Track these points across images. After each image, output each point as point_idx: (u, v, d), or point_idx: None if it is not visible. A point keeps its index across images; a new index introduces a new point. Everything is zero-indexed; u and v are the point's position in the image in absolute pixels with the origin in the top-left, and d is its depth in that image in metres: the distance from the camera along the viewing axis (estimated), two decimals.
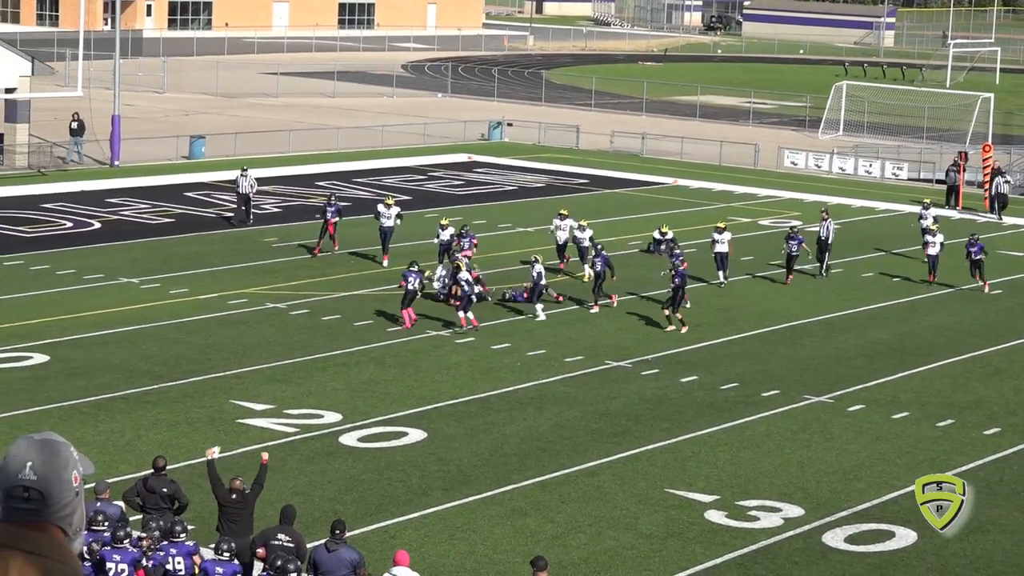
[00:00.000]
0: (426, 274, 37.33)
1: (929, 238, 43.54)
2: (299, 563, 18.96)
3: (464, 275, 36.22)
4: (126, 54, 73.27)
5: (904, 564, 23.00)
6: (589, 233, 42.12)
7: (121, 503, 20.84)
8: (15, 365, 31.51)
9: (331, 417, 28.90)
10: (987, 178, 57.42)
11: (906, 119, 78.29)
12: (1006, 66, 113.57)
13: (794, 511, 24.97)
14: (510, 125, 72.92)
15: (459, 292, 36.47)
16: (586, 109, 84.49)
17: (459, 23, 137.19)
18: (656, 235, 45.08)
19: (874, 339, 37.14)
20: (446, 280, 38.31)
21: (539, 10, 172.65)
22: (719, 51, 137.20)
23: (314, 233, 44.47)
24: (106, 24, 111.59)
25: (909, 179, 64.36)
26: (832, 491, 26.07)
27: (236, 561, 19.54)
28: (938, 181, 61.21)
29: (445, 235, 41.31)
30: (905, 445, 28.79)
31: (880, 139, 74.37)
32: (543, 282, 37.55)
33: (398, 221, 43.30)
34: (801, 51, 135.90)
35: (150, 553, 19.30)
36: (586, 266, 41.14)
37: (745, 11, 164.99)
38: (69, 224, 46.92)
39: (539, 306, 37.45)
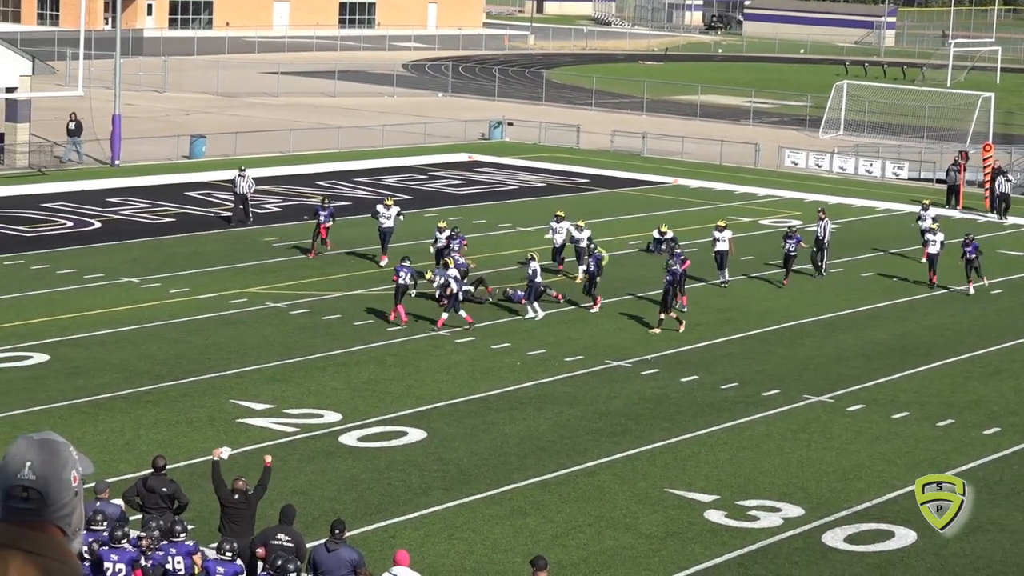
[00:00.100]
0: (427, 276, 37.28)
1: (930, 236, 43.52)
2: (299, 563, 18.96)
3: (453, 272, 36.18)
4: (127, 53, 73.25)
5: (904, 564, 23.01)
6: (587, 233, 42.01)
7: (121, 502, 20.84)
8: (15, 365, 31.52)
9: (331, 417, 28.91)
10: (987, 178, 57.42)
11: (907, 119, 78.27)
12: (1007, 65, 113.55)
13: (794, 511, 24.98)
14: (511, 125, 72.91)
15: (447, 291, 36.33)
16: (587, 108, 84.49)
17: (460, 22, 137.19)
18: (655, 235, 45.08)
19: (874, 339, 37.15)
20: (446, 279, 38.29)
21: (540, 9, 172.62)
22: (720, 50, 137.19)
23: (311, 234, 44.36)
24: (107, 23, 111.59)
25: (910, 179, 64.36)
26: (832, 491, 26.08)
27: (239, 561, 19.54)
28: (939, 181, 61.20)
29: (443, 237, 41.19)
30: (905, 445, 28.80)
31: (881, 139, 74.37)
32: (538, 279, 37.50)
33: (400, 218, 43.34)
34: (802, 50, 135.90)
35: (149, 553, 19.30)
36: (581, 267, 40.99)
37: (746, 10, 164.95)
38: (69, 224, 46.93)
39: (535, 304, 37.42)
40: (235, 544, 19.59)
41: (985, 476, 26.90)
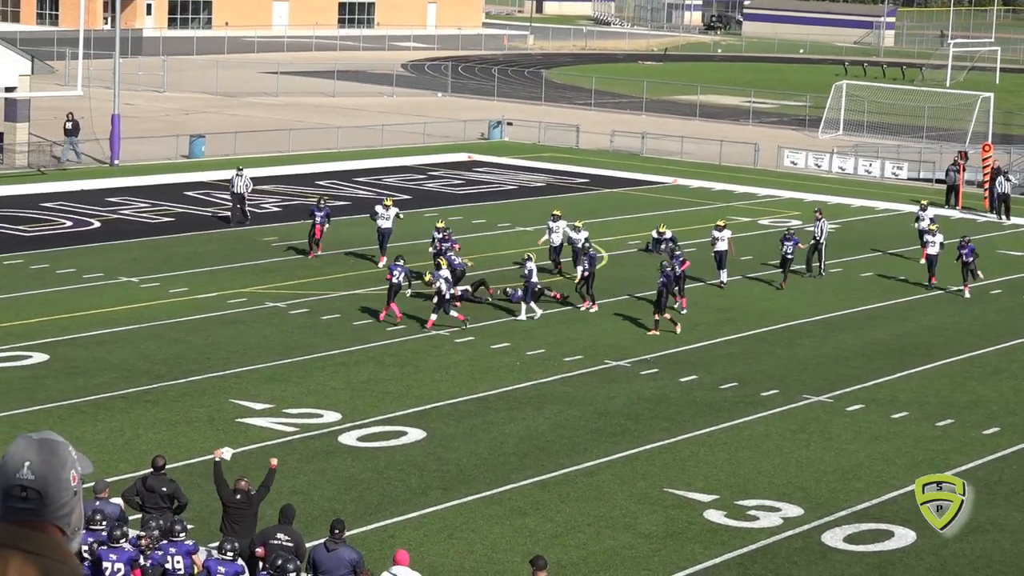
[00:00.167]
0: (426, 279, 37.29)
1: (929, 238, 43.45)
2: (298, 563, 18.96)
3: (444, 272, 36.15)
4: (126, 53, 73.28)
5: (903, 564, 23.01)
6: (585, 234, 41.90)
7: (120, 502, 20.84)
8: (14, 364, 31.51)
9: (330, 416, 28.91)
10: (987, 178, 57.41)
11: (906, 119, 78.28)
12: (1006, 66, 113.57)
13: (793, 511, 24.97)
14: (510, 124, 72.90)
15: (436, 290, 36.23)
16: (586, 108, 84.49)
17: (459, 22, 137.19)
18: (654, 235, 45.06)
19: (873, 339, 37.15)
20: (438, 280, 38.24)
21: (539, 9, 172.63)
22: (719, 50, 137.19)
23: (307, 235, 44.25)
24: (106, 23, 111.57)
25: (909, 179, 64.36)
26: (831, 491, 26.07)
27: (240, 561, 19.54)
28: (938, 181, 61.19)
29: (440, 238, 41.00)
30: (904, 445, 28.79)
31: (880, 139, 74.36)
32: (534, 279, 37.47)
33: (400, 217, 43.31)
34: (801, 51, 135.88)
35: (148, 552, 19.29)
36: (579, 267, 40.84)
37: (745, 10, 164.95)
38: (69, 223, 46.91)
39: (531, 304, 37.38)
40: (236, 544, 19.59)
41: (984, 476, 26.90)
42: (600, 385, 31.97)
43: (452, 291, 36.79)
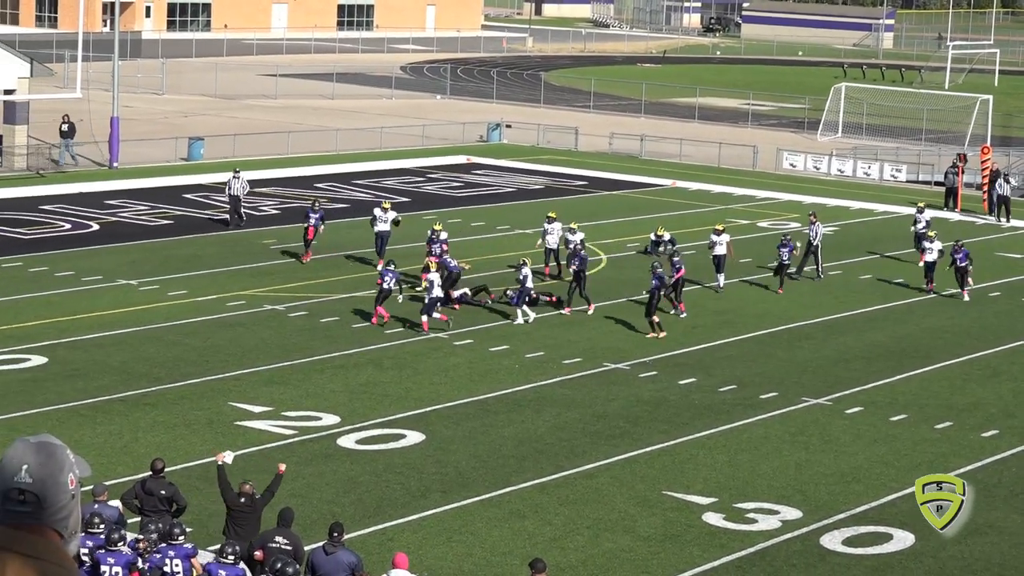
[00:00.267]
0: (423, 285, 37.23)
1: (927, 244, 43.17)
2: (298, 566, 18.95)
3: (434, 276, 36.10)
4: (125, 56, 73.33)
5: (902, 567, 23.00)
6: (580, 236, 41.88)
7: (119, 504, 20.83)
8: (13, 367, 31.50)
9: (329, 419, 28.90)
10: (985, 180, 57.42)
11: (905, 121, 78.30)
12: (1005, 68, 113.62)
13: (792, 513, 24.97)
14: (509, 127, 72.91)
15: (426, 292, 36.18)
16: (585, 111, 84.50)
17: (458, 25, 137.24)
18: (653, 237, 45.04)
19: (872, 341, 37.14)
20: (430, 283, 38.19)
21: (538, 12, 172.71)
22: (718, 53, 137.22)
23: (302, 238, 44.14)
24: (105, 26, 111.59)
25: (908, 181, 64.38)
26: (830, 493, 26.07)
27: (241, 564, 19.52)
28: (937, 183, 61.21)
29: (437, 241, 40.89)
30: (903, 447, 28.79)
31: (879, 141, 74.38)
32: (529, 284, 37.45)
33: (398, 224, 43.21)
34: (800, 53, 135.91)
35: (147, 555, 19.28)
36: (571, 267, 40.71)
37: (744, 13, 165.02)
38: (67, 226, 46.90)
39: (525, 308, 37.34)
40: (237, 547, 19.58)
41: (983, 479, 26.88)
42: (599, 388, 31.96)
43: (450, 293, 36.75)
